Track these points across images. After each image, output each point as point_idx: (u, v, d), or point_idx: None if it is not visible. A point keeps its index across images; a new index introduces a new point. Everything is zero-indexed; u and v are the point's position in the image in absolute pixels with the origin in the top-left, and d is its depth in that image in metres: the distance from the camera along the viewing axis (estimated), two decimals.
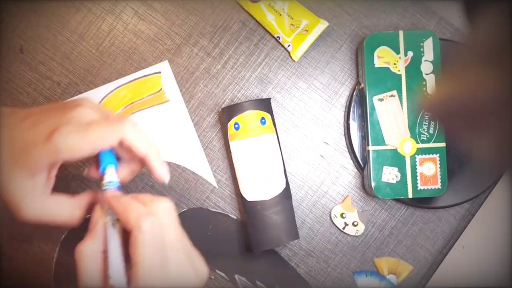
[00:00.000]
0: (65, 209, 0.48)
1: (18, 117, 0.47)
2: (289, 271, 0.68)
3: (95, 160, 0.48)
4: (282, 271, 0.68)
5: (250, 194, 0.63)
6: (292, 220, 0.64)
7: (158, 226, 0.42)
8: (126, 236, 0.44)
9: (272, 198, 0.63)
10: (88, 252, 0.43)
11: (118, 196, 0.46)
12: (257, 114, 0.63)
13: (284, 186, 0.64)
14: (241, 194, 0.65)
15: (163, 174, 0.48)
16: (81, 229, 0.69)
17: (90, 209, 0.48)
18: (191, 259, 0.45)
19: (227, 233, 0.68)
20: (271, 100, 0.69)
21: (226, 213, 0.69)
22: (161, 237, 0.42)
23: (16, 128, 0.46)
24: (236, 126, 0.63)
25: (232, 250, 0.68)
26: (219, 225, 0.68)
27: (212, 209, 0.69)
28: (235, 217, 0.68)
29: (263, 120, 0.63)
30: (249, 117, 0.63)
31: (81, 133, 0.44)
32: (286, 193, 0.64)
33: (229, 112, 0.64)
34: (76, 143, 0.44)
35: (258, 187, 0.63)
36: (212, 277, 0.68)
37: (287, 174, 0.68)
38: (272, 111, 0.65)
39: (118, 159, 0.49)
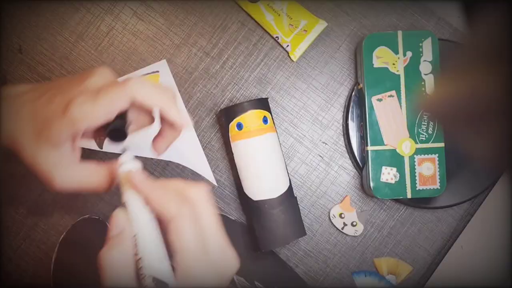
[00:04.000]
0: (95, 175, 0.48)
1: (37, 93, 0.48)
2: (287, 271, 0.68)
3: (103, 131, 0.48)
4: (280, 271, 0.68)
5: (256, 193, 0.63)
6: (298, 217, 0.64)
7: (197, 213, 0.42)
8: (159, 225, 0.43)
9: (278, 196, 0.63)
10: (117, 259, 0.41)
11: (147, 181, 0.44)
12: (259, 113, 0.63)
13: (288, 184, 0.64)
14: (246, 195, 0.64)
15: (184, 120, 0.47)
16: (80, 229, 0.69)
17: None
18: (227, 243, 0.45)
19: (226, 234, 0.68)
20: (270, 100, 0.69)
21: (225, 214, 0.68)
22: (200, 224, 0.42)
23: (36, 103, 0.47)
24: (239, 126, 0.63)
25: None
26: None
27: None
28: (233, 218, 0.68)
29: (265, 119, 0.63)
30: (252, 117, 0.63)
31: (93, 101, 0.45)
32: (291, 191, 0.65)
33: (230, 112, 0.63)
34: (89, 111, 0.44)
35: (264, 186, 0.63)
36: None
37: None
38: (270, 111, 0.66)
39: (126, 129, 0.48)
